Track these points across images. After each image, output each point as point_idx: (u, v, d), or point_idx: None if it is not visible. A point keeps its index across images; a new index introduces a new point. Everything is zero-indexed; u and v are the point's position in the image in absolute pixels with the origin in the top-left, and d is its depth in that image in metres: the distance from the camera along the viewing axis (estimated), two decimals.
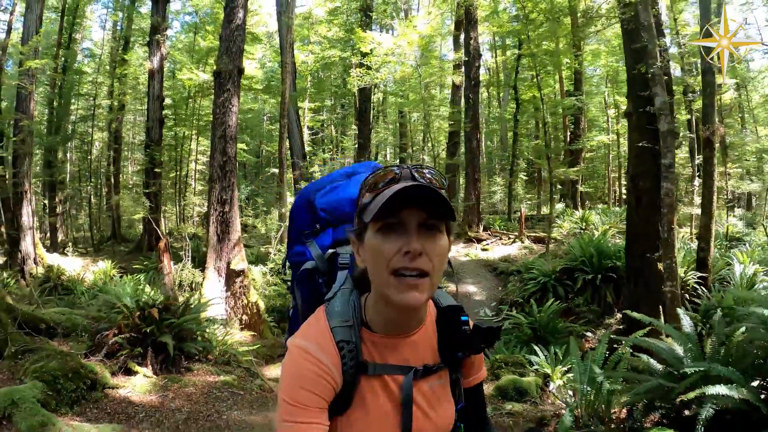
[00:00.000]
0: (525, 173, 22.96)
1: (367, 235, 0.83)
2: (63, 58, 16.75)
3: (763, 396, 2.29)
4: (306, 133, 19.05)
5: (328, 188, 1.14)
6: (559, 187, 20.73)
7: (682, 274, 7.40)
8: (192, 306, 5.27)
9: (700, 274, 7.05)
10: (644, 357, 2.71)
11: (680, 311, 2.91)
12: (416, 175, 0.83)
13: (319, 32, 18.17)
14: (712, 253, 7.37)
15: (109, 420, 3.35)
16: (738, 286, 6.86)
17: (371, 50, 11.53)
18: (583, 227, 13.45)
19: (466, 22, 15.78)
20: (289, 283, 1.13)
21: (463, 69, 15.48)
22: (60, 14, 16.60)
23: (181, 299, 5.90)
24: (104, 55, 21.35)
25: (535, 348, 5.49)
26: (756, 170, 18.12)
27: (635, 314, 3.21)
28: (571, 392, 2.84)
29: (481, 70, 23.48)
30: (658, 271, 6.24)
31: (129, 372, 4.11)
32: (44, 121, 18.16)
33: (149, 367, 4.21)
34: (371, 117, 21.20)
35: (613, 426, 2.53)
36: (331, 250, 1.04)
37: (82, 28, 20.44)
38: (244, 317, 7.85)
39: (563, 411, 3.05)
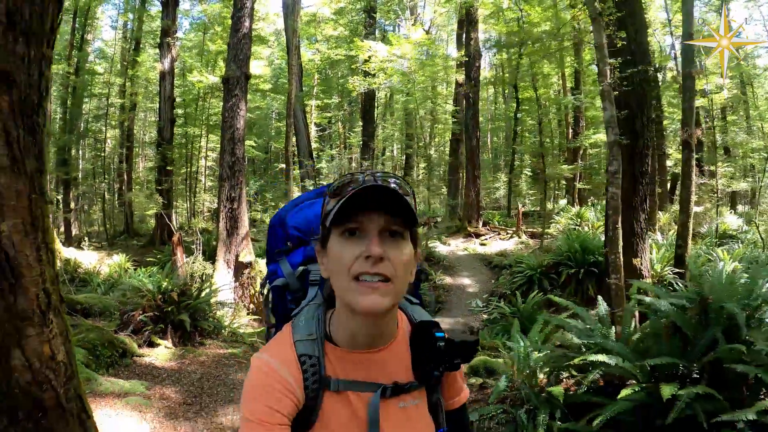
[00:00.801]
0: (529, 170, 23.18)
1: (330, 241, 0.82)
2: (76, 59, 17.18)
3: (658, 374, 2.74)
4: (313, 130, 19.55)
5: (302, 206, 1.12)
6: (563, 183, 21.01)
7: (659, 270, 7.95)
8: (204, 292, 5.96)
9: (677, 270, 7.55)
10: (569, 335, 3.28)
11: (599, 298, 3.51)
12: (380, 181, 0.80)
13: (325, 32, 18.63)
14: (689, 250, 7.87)
15: (138, 379, 4.14)
16: (718, 283, 7.32)
17: (369, 57, 12.07)
18: (578, 223, 13.81)
19: (467, 22, 16.22)
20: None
21: (464, 69, 15.91)
22: (72, 15, 16.75)
23: (194, 288, 6.57)
24: (115, 55, 21.73)
25: (516, 335, 6.04)
26: (761, 167, 18.09)
27: (556, 298, 3.84)
28: (511, 363, 3.46)
29: (488, 67, 23.83)
30: (633, 266, 6.77)
31: (152, 344, 4.86)
32: (58, 120, 18.68)
33: (169, 341, 4.97)
34: (375, 115, 21.69)
35: (537, 389, 3.13)
36: (301, 267, 1.01)
37: (93, 29, 20.76)
38: (251, 306, 8.49)
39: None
